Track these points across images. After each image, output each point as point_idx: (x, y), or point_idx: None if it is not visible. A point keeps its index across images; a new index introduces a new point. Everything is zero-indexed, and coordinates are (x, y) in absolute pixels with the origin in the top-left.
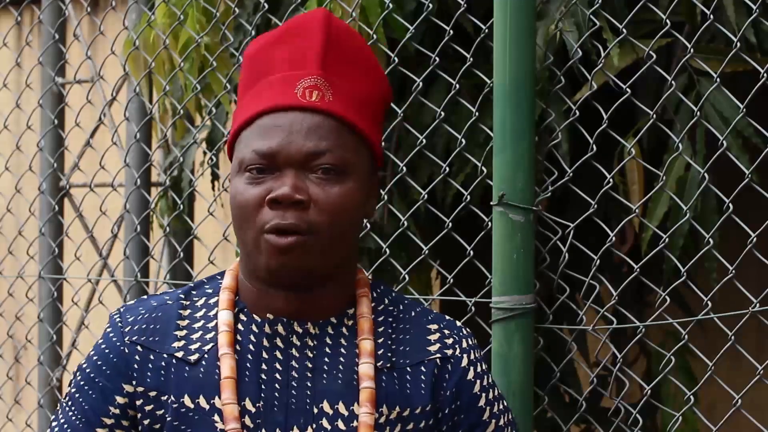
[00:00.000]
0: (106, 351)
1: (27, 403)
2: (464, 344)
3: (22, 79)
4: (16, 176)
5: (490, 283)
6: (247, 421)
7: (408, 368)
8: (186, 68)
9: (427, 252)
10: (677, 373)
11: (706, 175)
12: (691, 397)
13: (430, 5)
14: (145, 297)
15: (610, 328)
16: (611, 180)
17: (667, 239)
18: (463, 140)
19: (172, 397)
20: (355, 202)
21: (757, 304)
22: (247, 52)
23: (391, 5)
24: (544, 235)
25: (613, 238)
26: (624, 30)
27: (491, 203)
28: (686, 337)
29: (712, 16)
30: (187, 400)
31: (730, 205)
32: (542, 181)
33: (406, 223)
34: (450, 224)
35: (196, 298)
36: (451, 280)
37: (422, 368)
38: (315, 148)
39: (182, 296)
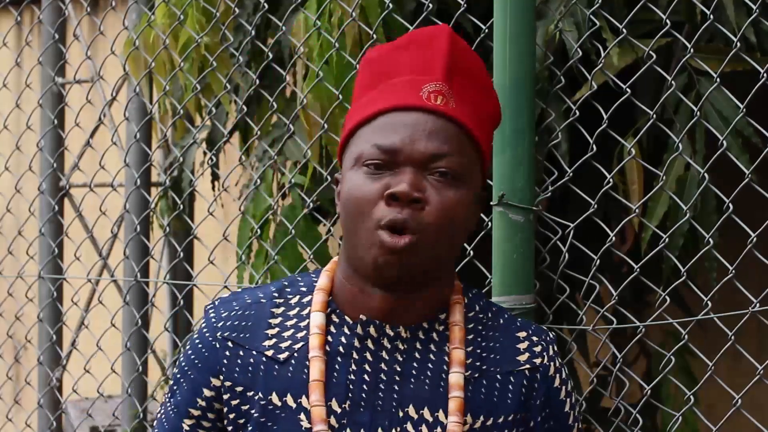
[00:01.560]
0: (199, 345)
1: (27, 403)
2: (551, 351)
3: (22, 79)
4: (16, 176)
5: (490, 283)
6: (333, 420)
7: (497, 376)
8: (186, 68)
9: None
10: (677, 373)
11: (705, 175)
12: (691, 397)
13: (430, 5)
14: (240, 291)
15: (610, 328)
16: (611, 180)
17: (666, 239)
18: None
19: (260, 394)
20: (466, 209)
21: (757, 304)
22: (368, 56)
23: (391, 5)
24: (544, 235)
25: (613, 238)
26: (623, 30)
27: (491, 203)
28: (686, 337)
29: (711, 16)
30: (274, 398)
31: (730, 205)
32: (542, 181)
33: None
34: None
35: (290, 296)
36: None
37: (511, 378)
38: (437, 150)
39: (276, 294)
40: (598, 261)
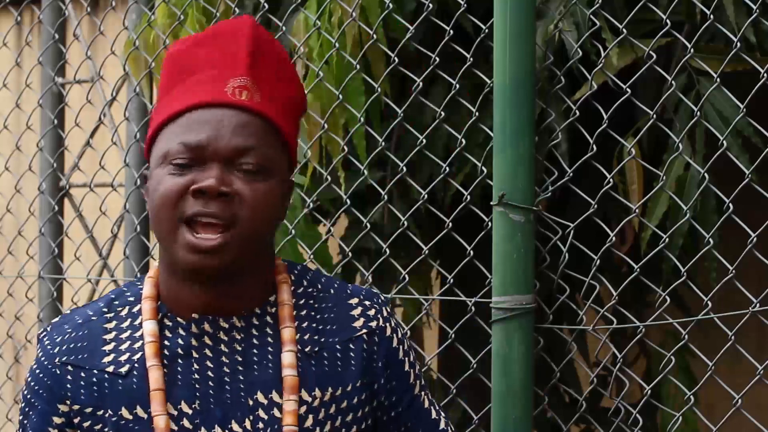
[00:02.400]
0: (40, 374)
1: None
2: (385, 312)
3: (22, 79)
4: (16, 176)
5: (490, 283)
6: (186, 423)
7: (337, 346)
8: None
9: (427, 252)
10: (677, 373)
11: (706, 175)
12: (691, 397)
13: (430, 5)
14: (69, 312)
15: (610, 328)
16: (611, 180)
17: (666, 239)
18: (463, 140)
19: (110, 411)
20: (276, 200)
21: (758, 304)
22: (171, 51)
23: (391, 5)
24: (544, 235)
25: (613, 238)
26: (624, 30)
27: (491, 203)
28: (686, 337)
29: (712, 16)
30: (125, 412)
31: (730, 205)
32: (542, 181)
33: (406, 223)
34: (450, 224)
35: (120, 308)
36: (451, 280)
37: (351, 345)
38: (242, 145)
39: (105, 309)
40: (598, 261)
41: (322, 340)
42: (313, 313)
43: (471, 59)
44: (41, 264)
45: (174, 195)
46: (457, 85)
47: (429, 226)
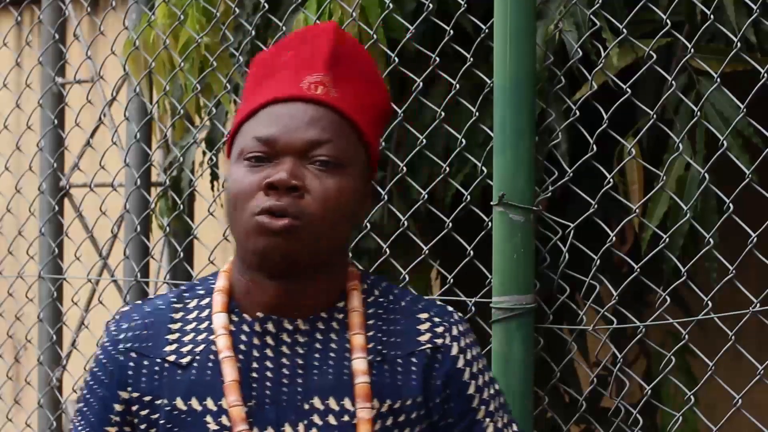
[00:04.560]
0: (104, 361)
1: (27, 403)
2: (454, 331)
3: (22, 79)
4: (16, 176)
5: (490, 283)
6: None
7: (399, 359)
8: (186, 68)
9: (427, 252)
10: (677, 373)
11: (706, 175)
12: (691, 397)
13: (430, 5)
14: (140, 302)
15: (610, 328)
16: (611, 180)
17: (667, 239)
18: (463, 140)
19: (165, 400)
20: (349, 197)
21: (758, 304)
22: (256, 58)
23: (391, 5)
24: (544, 235)
25: (613, 238)
26: (624, 30)
27: (491, 203)
28: (686, 337)
29: (712, 16)
30: (179, 403)
31: (731, 205)
32: (542, 181)
33: (406, 223)
34: (450, 224)
35: (188, 301)
36: (451, 280)
37: (413, 359)
38: (316, 138)
39: (174, 299)
40: (598, 261)
41: (385, 351)
42: (380, 323)
43: (471, 59)
44: (41, 264)
45: (248, 191)
46: (457, 85)
47: (429, 226)
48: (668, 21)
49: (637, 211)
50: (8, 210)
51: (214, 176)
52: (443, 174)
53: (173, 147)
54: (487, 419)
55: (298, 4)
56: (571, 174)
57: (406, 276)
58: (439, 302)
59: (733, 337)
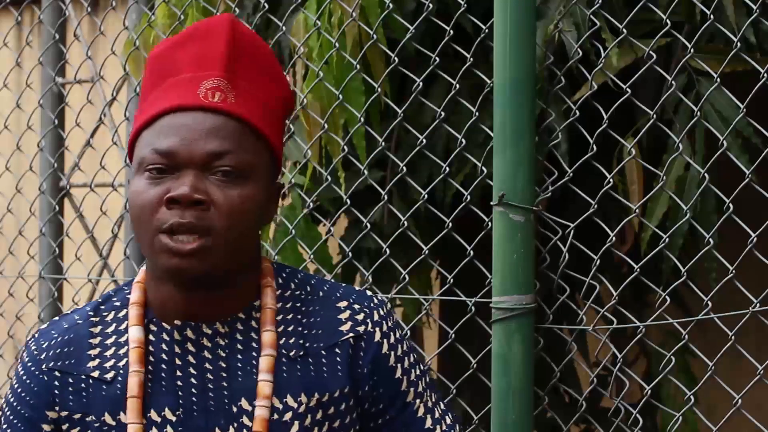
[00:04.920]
0: (27, 381)
1: None
2: (375, 317)
3: (22, 79)
4: (17, 176)
5: (490, 283)
6: (170, 430)
7: (322, 352)
8: None
9: (427, 252)
10: (677, 373)
11: (706, 175)
12: (691, 397)
13: (430, 5)
14: (58, 318)
15: (610, 328)
16: (611, 180)
17: (666, 239)
18: (463, 140)
19: (94, 417)
20: (254, 205)
21: (758, 304)
22: (152, 53)
23: (391, 5)
24: (544, 235)
25: (613, 238)
26: (623, 30)
27: (491, 203)
28: (686, 337)
29: (712, 16)
30: (107, 418)
31: (730, 205)
32: (542, 181)
33: (406, 223)
34: (450, 224)
35: (106, 313)
36: (451, 280)
37: (336, 350)
38: (216, 149)
39: (91, 313)
40: (598, 261)
41: (307, 344)
42: (299, 317)
43: (471, 59)
44: (42, 264)
45: (150, 206)
46: (457, 85)
47: (429, 226)
48: (668, 21)
49: (636, 211)
50: (8, 210)
51: None
52: (443, 174)
53: None
54: (417, 400)
55: (298, 4)
56: (571, 174)
57: (406, 276)
58: (357, 288)
59: (732, 337)
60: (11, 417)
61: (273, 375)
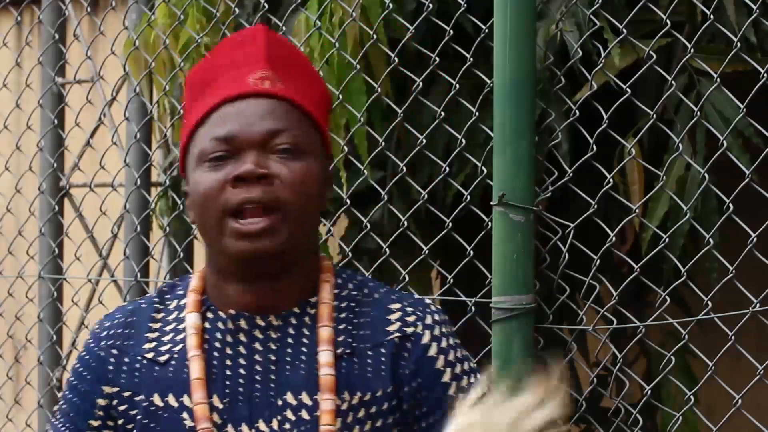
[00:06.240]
0: (86, 357)
1: (27, 403)
2: (428, 320)
3: (22, 79)
4: (16, 176)
5: (490, 283)
6: (216, 417)
7: (368, 351)
8: (186, 68)
9: (427, 252)
10: (677, 373)
11: (706, 175)
12: (691, 397)
13: (430, 5)
14: (126, 303)
15: (610, 328)
16: (611, 180)
17: (667, 239)
18: (463, 140)
19: (143, 396)
20: (315, 181)
21: (758, 304)
22: (188, 74)
23: (391, 5)
24: (544, 235)
25: (613, 238)
26: (624, 30)
27: (491, 203)
28: (686, 337)
29: (712, 16)
30: (156, 399)
31: (730, 205)
32: (542, 181)
33: (406, 223)
34: (450, 224)
35: (169, 301)
36: (451, 280)
37: (381, 350)
38: (273, 127)
39: (156, 299)
40: (598, 261)
41: (355, 344)
42: (351, 316)
43: (471, 59)
44: (41, 264)
45: (215, 189)
46: (457, 85)
47: (429, 226)
48: (668, 21)
49: (637, 211)
50: (8, 210)
51: None
52: (443, 174)
53: (173, 147)
54: None
55: (298, 4)
56: (571, 174)
57: (406, 276)
58: (415, 296)
59: (732, 337)
60: (70, 395)
61: (334, 369)
